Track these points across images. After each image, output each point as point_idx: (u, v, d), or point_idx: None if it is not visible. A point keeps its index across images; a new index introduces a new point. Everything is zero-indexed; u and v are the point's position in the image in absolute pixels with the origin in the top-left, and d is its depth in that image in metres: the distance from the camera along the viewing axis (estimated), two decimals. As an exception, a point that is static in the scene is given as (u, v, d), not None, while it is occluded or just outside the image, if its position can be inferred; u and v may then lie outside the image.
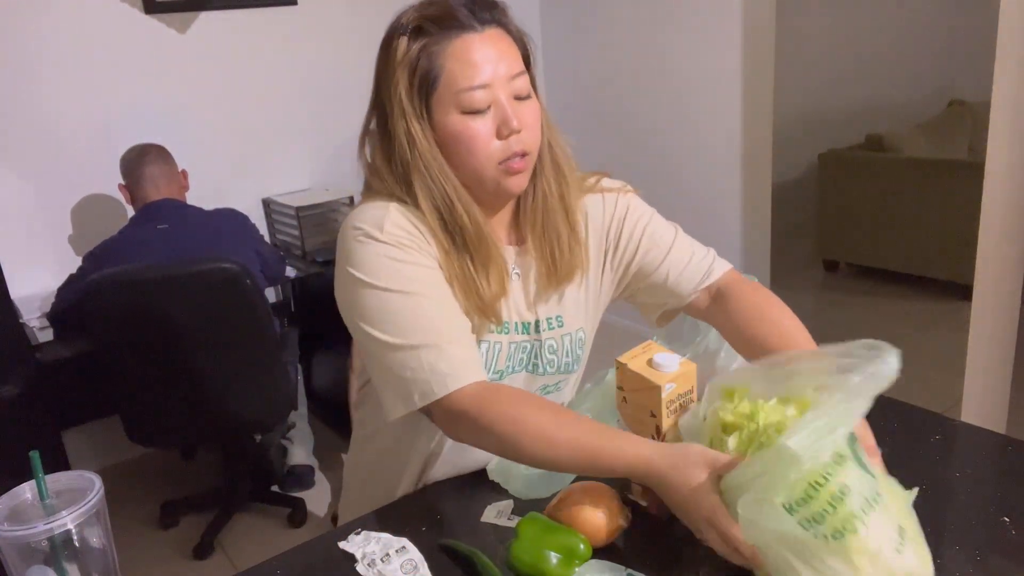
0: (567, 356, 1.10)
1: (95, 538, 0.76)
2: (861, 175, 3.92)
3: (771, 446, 0.73)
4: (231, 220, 2.33)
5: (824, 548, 0.70)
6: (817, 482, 0.71)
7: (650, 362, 0.91)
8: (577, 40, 3.47)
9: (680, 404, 0.91)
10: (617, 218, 1.11)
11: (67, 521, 0.73)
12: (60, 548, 0.73)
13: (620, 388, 0.94)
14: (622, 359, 0.93)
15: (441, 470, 1.10)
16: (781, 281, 3.44)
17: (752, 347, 1.02)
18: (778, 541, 0.72)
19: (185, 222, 2.23)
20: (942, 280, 3.73)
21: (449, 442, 1.07)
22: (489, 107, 0.95)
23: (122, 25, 2.63)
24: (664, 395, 0.88)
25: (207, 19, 2.78)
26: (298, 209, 2.75)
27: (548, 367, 1.09)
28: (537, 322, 1.07)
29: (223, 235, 2.25)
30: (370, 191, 1.02)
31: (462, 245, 0.98)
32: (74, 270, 2.26)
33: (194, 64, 2.79)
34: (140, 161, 2.29)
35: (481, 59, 0.93)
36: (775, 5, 2.82)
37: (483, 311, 1.00)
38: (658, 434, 0.91)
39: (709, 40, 2.93)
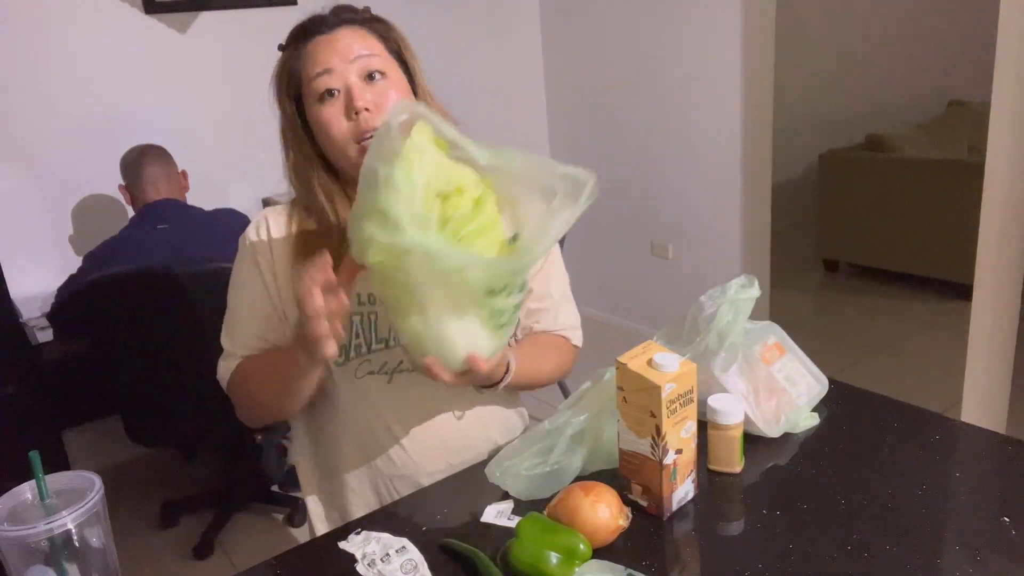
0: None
1: (95, 538, 0.76)
2: (861, 175, 3.93)
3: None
4: (231, 220, 2.33)
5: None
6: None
7: (650, 362, 0.91)
8: (577, 40, 3.47)
9: (680, 404, 0.91)
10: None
11: (67, 521, 0.73)
12: (60, 548, 0.73)
13: (620, 388, 0.94)
14: (622, 359, 0.93)
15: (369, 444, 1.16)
16: (781, 281, 3.44)
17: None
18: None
19: (185, 222, 2.23)
20: (942, 280, 3.73)
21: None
22: (339, 91, 1.02)
23: (122, 25, 2.63)
24: (664, 395, 0.89)
25: (207, 19, 2.78)
26: (298, 209, 2.75)
27: None
28: None
29: (223, 235, 2.24)
30: None
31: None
32: (74, 270, 2.26)
33: (194, 64, 2.79)
34: (140, 162, 2.29)
35: (325, 50, 1.03)
36: (775, 5, 2.82)
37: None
38: (658, 434, 0.91)
39: (709, 40, 2.93)
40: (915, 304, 3.70)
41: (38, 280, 2.55)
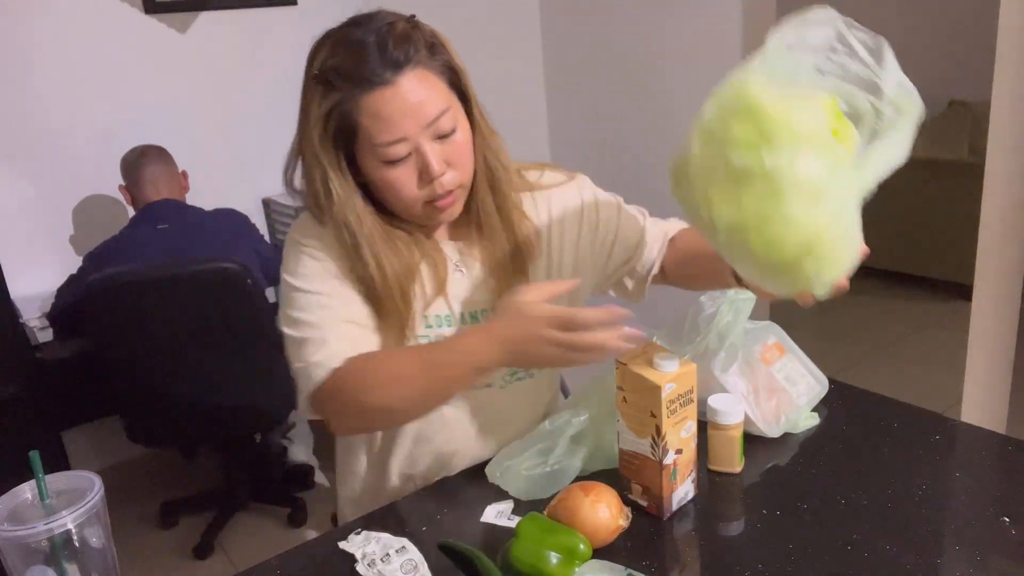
0: None
1: (95, 538, 0.76)
2: (861, 175, 3.92)
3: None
4: (231, 220, 2.33)
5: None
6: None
7: (650, 362, 0.91)
8: (577, 40, 3.47)
9: (680, 404, 0.91)
10: (590, 204, 1.13)
11: (67, 521, 0.73)
12: (60, 548, 0.73)
13: (620, 388, 0.94)
14: (622, 359, 0.93)
15: (424, 462, 1.12)
16: (781, 281, 3.43)
17: (699, 256, 1.09)
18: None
19: (185, 222, 2.23)
20: (942, 280, 3.73)
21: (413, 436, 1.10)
22: (410, 154, 0.94)
23: (122, 25, 2.63)
24: (664, 395, 0.89)
25: (207, 19, 2.78)
26: (298, 209, 2.75)
27: None
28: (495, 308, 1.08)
29: (223, 235, 2.25)
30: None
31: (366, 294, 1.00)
32: (74, 270, 2.26)
33: (194, 64, 2.79)
34: (140, 162, 2.29)
35: (395, 113, 0.92)
36: (775, 5, 2.82)
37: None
38: (658, 434, 0.91)
39: (709, 40, 2.93)
40: (915, 304, 3.70)
41: (38, 280, 2.55)
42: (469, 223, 1.07)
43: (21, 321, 2.28)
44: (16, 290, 2.23)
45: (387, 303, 1.00)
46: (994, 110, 1.99)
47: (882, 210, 4.32)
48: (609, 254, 1.15)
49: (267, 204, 2.98)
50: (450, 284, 1.06)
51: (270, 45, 2.90)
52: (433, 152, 0.94)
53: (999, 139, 2.00)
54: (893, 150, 0.77)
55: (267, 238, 2.86)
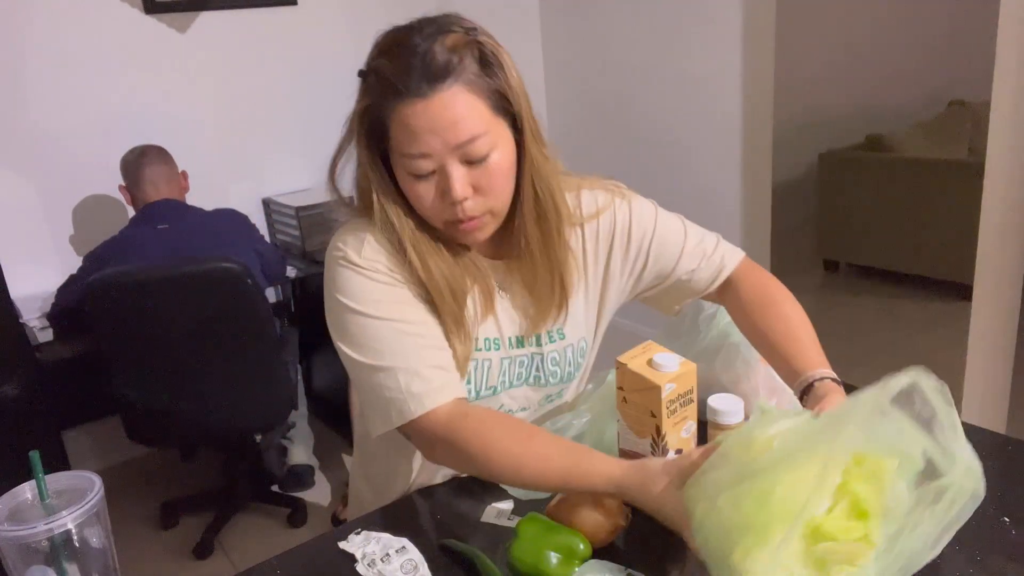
0: (569, 366, 1.09)
1: (95, 538, 0.76)
2: (861, 175, 3.92)
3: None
4: (231, 220, 2.33)
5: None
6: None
7: (650, 362, 0.91)
8: (576, 40, 3.47)
9: (680, 404, 0.91)
10: (621, 226, 1.08)
11: (67, 521, 0.73)
12: (60, 548, 0.73)
13: (620, 388, 0.94)
14: (622, 359, 0.93)
15: (441, 473, 1.11)
16: (781, 281, 3.43)
17: (759, 338, 1.05)
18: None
19: (185, 222, 2.23)
20: (942, 280, 3.73)
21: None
22: (435, 171, 0.90)
23: (122, 25, 2.63)
24: (664, 395, 0.89)
25: (207, 19, 2.78)
26: (298, 209, 2.75)
27: (551, 378, 1.08)
28: (538, 336, 1.06)
29: (223, 235, 2.25)
30: (348, 211, 1.01)
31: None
32: (74, 270, 2.26)
33: (194, 64, 2.79)
34: (140, 162, 2.29)
35: (423, 128, 0.87)
36: (775, 5, 2.82)
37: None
38: (658, 434, 0.91)
39: (709, 40, 2.93)
40: (915, 304, 3.70)
41: (38, 280, 2.55)
42: (511, 245, 1.02)
43: (21, 321, 2.28)
44: (16, 290, 2.24)
45: (441, 307, 0.96)
46: (994, 110, 1.99)
47: (882, 210, 4.31)
48: (639, 277, 1.11)
49: (267, 204, 2.98)
50: (496, 304, 1.03)
51: (270, 45, 2.90)
52: (458, 175, 0.89)
53: (999, 139, 2.00)
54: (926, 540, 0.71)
55: (267, 238, 2.86)
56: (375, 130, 0.92)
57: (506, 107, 0.92)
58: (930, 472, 0.72)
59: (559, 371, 1.08)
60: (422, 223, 0.97)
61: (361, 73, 0.92)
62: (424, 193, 0.91)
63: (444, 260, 0.98)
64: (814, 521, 0.69)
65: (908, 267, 3.86)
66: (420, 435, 0.94)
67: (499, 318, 1.04)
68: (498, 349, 1.04)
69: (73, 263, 2.34)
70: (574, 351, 1.09)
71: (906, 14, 4.97)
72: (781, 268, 3.41)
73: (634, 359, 0.93)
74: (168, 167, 2.33)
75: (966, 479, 0.70)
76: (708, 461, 0.76)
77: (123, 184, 2.33)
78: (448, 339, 0.98)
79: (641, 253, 1.09)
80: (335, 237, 1.00)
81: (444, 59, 0.86)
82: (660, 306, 1.17)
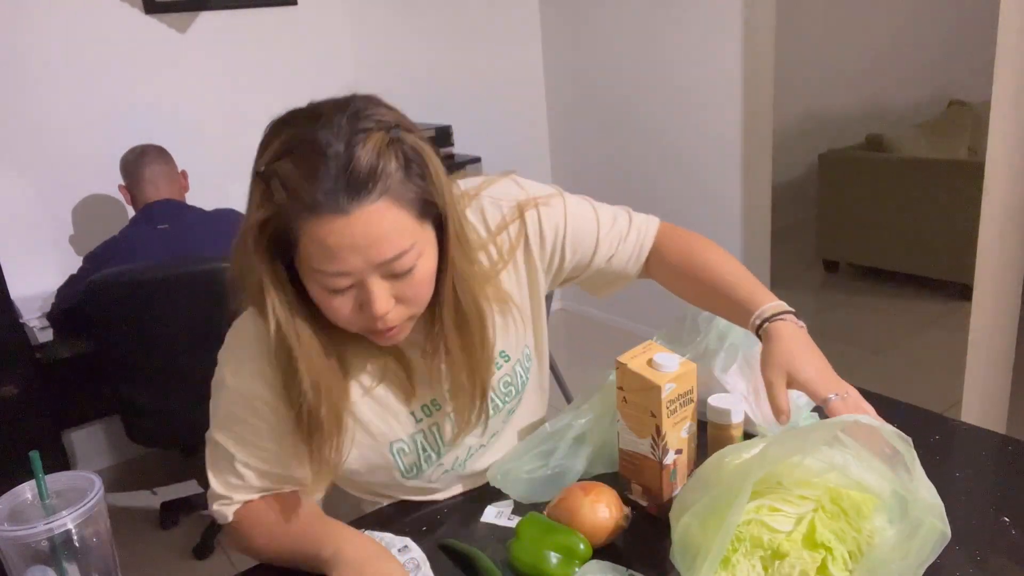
0: (520, 378, 1.07)
1: (95, 538, 0.76)
2: (861, 175, 3.92)
3: None
4: (231, 220, 2.33)
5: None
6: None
7: (650, 362, 0.91)
8: (576, 40, 3.47)
9: (680, 404, 0.91)
10: (533, 231, 1.02)
11: (67, 521, 0.73)
12: (60, 548, 0.73)
13: (620, 388, 0.94)
14: (622, 359, 0.93)
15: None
16: (781, 281, 3.44)
17: (698, 294, 1.08)
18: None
19: (185, 222, 2.23)
20: (942, 280, 3.73)
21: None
22: (352, 285, 0.80)
23: (122, 25, 2.63)
24: (664, 395, 0.88)
25: (207, 19, 2.78)
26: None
27: (507, 399, 1.05)
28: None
29: (223, 235, 2.24)
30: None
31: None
32: (74, 270, 2.26)
33: (194, 64, 2.79)
34: (139, 162, 2.29)
35: (343, 247, 0.76)
36: (775, 5, 2.82)
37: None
38: (658, 434, 0.91)
39: (709, 40, 2.93)
40: (915, 304, 3.70)
41: (38, 280, 2.55)
42: (430, 338, 0.93)
43: (21, 321, 2.28)
44: (16, 290, 2.24)
45: (319, 425, 0.87)
46: (994, 110, 1.99)
47: (882, 210, 4.31)
48: (558, 270, 1.07)
49: (267, 204, 2.98)
50: (419, 373, 0.97)
51: (270, 45, 2.90)
52: (379, 291, 0.80)
53: (999, 139, 2.00)
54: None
55: (267, 238, 2.85)
56: (278, 239, 0.79)
57: (430, 209, 0.83)
58: (901, 510, 0.75)
59: (513, 389, 1.06)
60: (320, 336, 0.87)
61: (259, 175, 0.78)
62: (340, 307, 0.82)
63: (337, 382, 0.89)
64: (774, 542, 0.74)
65: (908, 267, 3.86)
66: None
67: (431, 382, 0.97)
68: (440, 407, 0.99)
69: (73, 263, 2.34)
70: (521, 364, 1.06)
71: (906, 14, 4.98)
72: (781, 268, 3.42)
73: (634, 359, 0.93)
74: (168, 167, 2.33)
75: (936, 519, 0.74)
76: (689, 481, 0.80)
77: (123, 184, 2.33)
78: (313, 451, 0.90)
79: (556, 250, 1.04)
80: (227, 338, 0.97)
81: (366, 169, 0.75)
82: (590, 290, 1.16)
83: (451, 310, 0.89)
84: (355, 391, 0.95)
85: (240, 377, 0.91)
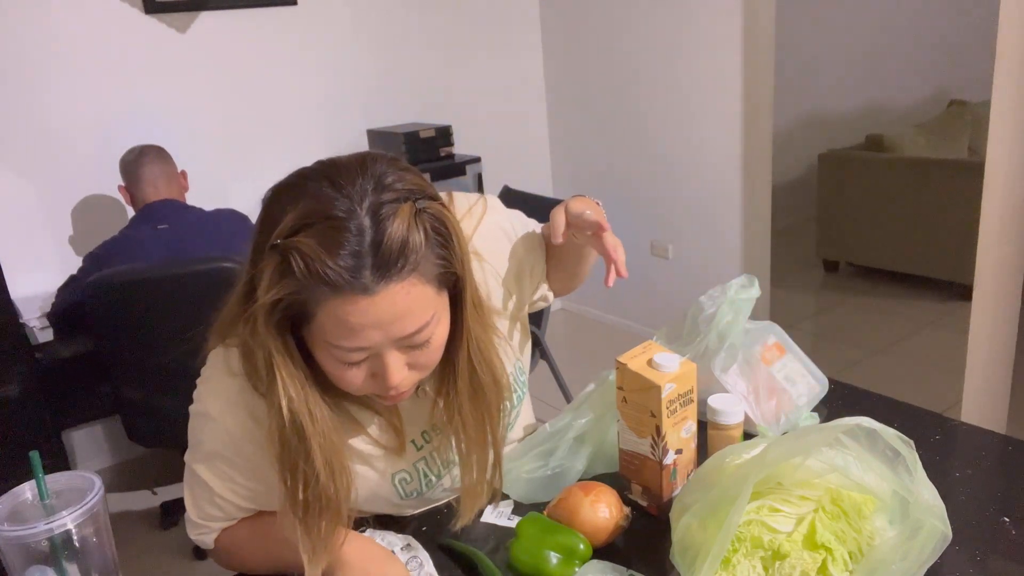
0: (516, 391, 1.06)
1: (95, 538, 0.76)
2: (861, 175, 3.93)
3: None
4: (231, 220, 2.33)
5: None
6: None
7: (650, 362, 0.91)
8: (577, 40, 3.47)
9: (680, 404, 0.91)
10: (499, 238, 1.02)
11: (67, 521, 0.73)
12: (60, 548, 0.73)
13: (620, 388, 0.94)
14: (622, 359, 0.93)
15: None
16: (781, 281, 3.44)
17: (566, 258, 1.06)
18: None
19: (185, 222, 2.23)
20: (942, 280, 3.73)
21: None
22: (367, 357, 0.78)
23: (122, 25, 2.63)
24: (664, 395, 0.88)
25: (207, 19, 2.78)
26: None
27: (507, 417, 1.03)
28: None
29: (223, 235, 2.24)
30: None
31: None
32: (74, 270, 2.26)
33: (194, 64, 2.79)
34: (139, 162, 2.29)
35: (366, 325, 0.73)
36: (775, 5, 2.82)
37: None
38: (658, 434, 0.91)
39: (709, 40, 2.93)
40: (915, 304, 3.70)
41: (38, 280, 2.55)
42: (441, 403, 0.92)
43: (21, 321, 2.28)
44: (16, 290, 2.24)
45: (328, 503, 0.82)
46: (994, 110, 1.99)
47: (882, 210, 4.31)
48: (529, 298, 1.09)
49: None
50: (414, 408, 0.95)
51: (270, 45, 2.90)
52: (396, 363, 0.78)
53: (999, 139, 2.00)
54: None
55: (267, 238, 2.86)
56: (293, 314, 0.75)
57: (449, 278, 0.80)
58: (902, 511, 0.76)
59: (511, 407, 1.04)
60: (329, 408, 0.83)
61: (275, 248, 0.72)
62: (353, 378, 0.79)
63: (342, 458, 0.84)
64: (774, 542, 0.75)
65: (908, 267, 3.86)
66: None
67: (423, 414, 0.95)
68: (440, 432, 0.96)
69: (73, 263, 2.34)
70: (515, 378, 1.06)
71: (906, 14, 4.98)
72: (781, 268, 3.42)
73: (634, 359, 0.93)
74: (168, 167, 2.33)
75: (937, 520, 0.74)
76: (689, 481, 0.79)
77: (123, 184, 2.33)
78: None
79: (531, 280, 1.06)
80: (200, 384, 0.95)
81: (398, 247, 0.71)
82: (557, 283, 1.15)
83: (465, 379, 0.87)
84: (356, 439, 0.93)
85: (231, 416, 0.88)
